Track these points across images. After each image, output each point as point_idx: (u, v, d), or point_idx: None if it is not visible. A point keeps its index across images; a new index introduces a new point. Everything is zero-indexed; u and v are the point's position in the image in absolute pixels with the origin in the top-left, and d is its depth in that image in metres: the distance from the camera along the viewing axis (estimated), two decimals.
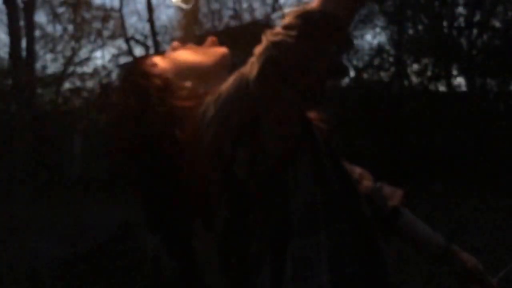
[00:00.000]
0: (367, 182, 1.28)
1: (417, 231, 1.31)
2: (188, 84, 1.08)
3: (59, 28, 14.71)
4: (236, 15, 14.41)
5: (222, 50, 1.14)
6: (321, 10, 0.89)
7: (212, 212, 1.00)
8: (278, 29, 0.91)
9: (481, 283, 1.30)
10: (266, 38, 0.91)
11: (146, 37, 14.91)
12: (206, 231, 1.06)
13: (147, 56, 1.15)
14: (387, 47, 10.85)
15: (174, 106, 1.04)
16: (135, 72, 1.11)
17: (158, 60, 1.12)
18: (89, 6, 14.44)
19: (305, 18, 0.89)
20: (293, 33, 0.88)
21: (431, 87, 10.36)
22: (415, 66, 10.42)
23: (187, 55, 1.13)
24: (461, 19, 10.17)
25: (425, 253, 1.31)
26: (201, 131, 0.97)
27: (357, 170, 1.30)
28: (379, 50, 10.69)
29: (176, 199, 1.06)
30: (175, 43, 1.16)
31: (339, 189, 0.99)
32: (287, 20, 0.91)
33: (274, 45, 0.89)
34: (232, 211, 0.97)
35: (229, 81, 0.96)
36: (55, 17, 14.51)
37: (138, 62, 1.14)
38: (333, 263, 0.93)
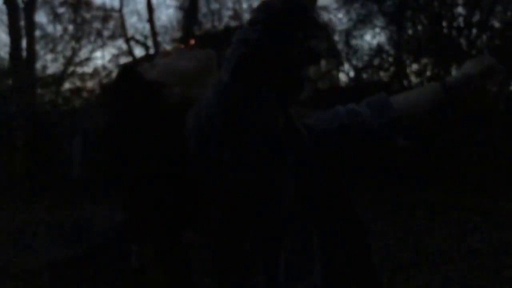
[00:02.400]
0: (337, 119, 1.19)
1: (412, 102, 1.25)
2: (178, 89, 1.07)
3: (59, 28, 14.74)
4: (236, 15, 14.42)
5: (208, 52, 1.14)
6: None
7: (204, 216, 1.01)
8: (244, 26, 0.92)
9: (492, 75, 1.26)
10: (235, 37, 0.92)
11: (146, 37, 14.96)
12: (198, 236, 1.06)
13: (136, 63, 1.14)
14: (387, 47, 10.84)
15: (166, 113, 1.04)
16: (124, 80, 1.11)
17: (147, 67, 1.12)
18: (89, 6, 14.47)
19: (266, 9, 0.89)
20: (258, 27, 0.89)
21: None
22: (415, 66, 10.42)
23: (176, 61, 1.13)
24: (461, 19, 10.17)
25: (432, 108, 1.26)
26: (187, 137, 0.98)
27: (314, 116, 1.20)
28: (379, 50, 10.68)
29: (168, 205, 1.06)
30: (164, 49, 1.16)
31: (328, 187, 1.00)
32: (251, 16, 0.92)
33: (242, 42, 0.89)
34: (225, 211, 0.98)
35: (210, 86, 0.96)
36: (55, 17, 14.53)
37: (127, 70, 1.14)
38: (326, 263, 0.94)
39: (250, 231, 0.96)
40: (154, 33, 14.00)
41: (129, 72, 1.12)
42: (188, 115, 0.99)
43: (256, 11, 0.91)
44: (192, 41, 1.16)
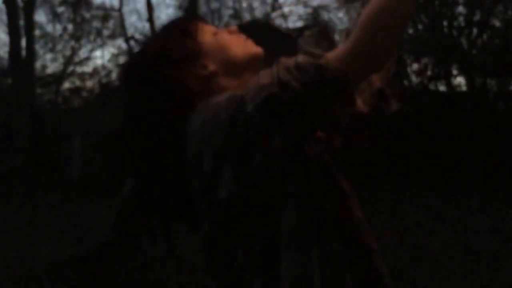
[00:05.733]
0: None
1: None
2: (212, 67, 1.04)
3: (59, 27, 14.74)
4: (236, 14, 14.42)
5: (257, 49, 1.09)
6: (338, 69, 0.87)
7: (197, 216, 1.00)
8: (290, 63, 0.89)
9: None
10: (277, 68, 0.89)
11: (146, 36, 14.94)
12: (191, 232, 1.06)
13: (201, 19, 1.12)
14: None
15: (187, 81, 1.02)
16: (181, 24, 1.08)
17: (207, 29, 1.09)
18: (89, 5, 14.48)
19: (321, 70, 0.87)
20: (303, 79, 0.87)
21: (431, 86, 10.35)
22: (415, 66, 10.41)
23: (229, 41, 1.08)
24: (461, 19, 10.16)
25: None
26: (187, 137, 0.96)
27: None
28: None
29: (166, 190, 1.05)
30: (233, 27, 1.11)
31: (331, 207, 0.98)
32: (301, 59, 0.89)
33: (281, 83, 0.87)
34: (212, 224, 0.96)
35: (221, 98, 0.94)
36: (55, 17, 14.54)
37: (191, 18, 1.11)
38: (328, 282, 0.93)
39: (243, 245, 0.94)
40: (154, 32, 14.00)
41: (191, 21, 1.08)
42: (197, 113, 0.96)
43: (309, 62, 0.88)
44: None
